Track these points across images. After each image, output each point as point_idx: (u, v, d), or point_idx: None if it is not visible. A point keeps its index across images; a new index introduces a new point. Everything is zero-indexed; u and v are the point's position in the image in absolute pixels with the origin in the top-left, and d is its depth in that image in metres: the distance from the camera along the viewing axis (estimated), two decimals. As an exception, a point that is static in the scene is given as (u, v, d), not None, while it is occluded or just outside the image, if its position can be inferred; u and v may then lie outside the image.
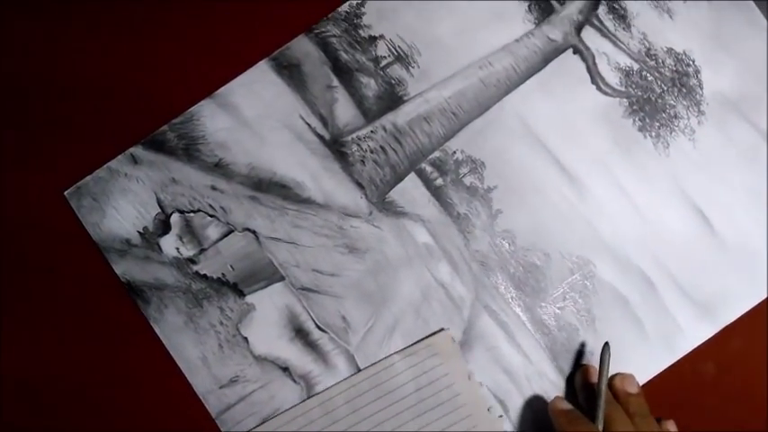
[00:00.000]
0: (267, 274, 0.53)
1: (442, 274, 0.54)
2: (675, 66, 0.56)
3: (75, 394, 0.53)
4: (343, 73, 0.55)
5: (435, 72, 0.55)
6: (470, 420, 0.52)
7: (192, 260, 0.53)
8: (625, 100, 0.55)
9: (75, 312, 0.53)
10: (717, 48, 0.56)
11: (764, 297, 0.54)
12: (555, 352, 0.53)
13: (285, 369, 0.53)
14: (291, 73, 0.55)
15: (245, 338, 0.53)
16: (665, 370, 0.53)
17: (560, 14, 0.56)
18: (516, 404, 0.53)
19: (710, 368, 0.54)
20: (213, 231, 0.54)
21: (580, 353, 0.53)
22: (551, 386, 0.53)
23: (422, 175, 0.55)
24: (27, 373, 0.54)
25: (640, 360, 0.53)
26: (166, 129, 0.54)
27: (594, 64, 0.55)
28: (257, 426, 0.52)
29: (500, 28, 0.55)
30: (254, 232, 0.54)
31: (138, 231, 0.54)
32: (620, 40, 0.56)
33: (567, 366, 0.53)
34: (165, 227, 0.54)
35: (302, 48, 0.55)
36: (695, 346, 0.54)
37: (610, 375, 0.51)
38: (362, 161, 0.54)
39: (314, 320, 0.53)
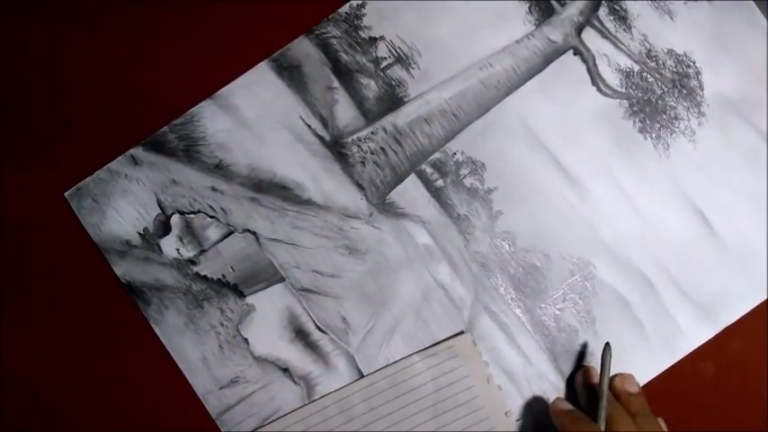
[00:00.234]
0: (267, 276, 0.53)
1: (443, 275, 0.54)
2: (676, 67, 0.56)
3: (75, 394, 0.53)
4: (344, 74, 0.55)
5: (436, 73, 0.55)
6: (488, 423, 0.52)
7: (192, 261, 0.54)
8: (625, 101, 0.55)
9: (75, 313, 0.54)
10: (717, 49, 0.55)
11: (764, 298, 0.54)
12: (555, 353, 0.53)
13: (285, 370, 0.53)
14: (292, 74, 0.55)
15: (246, 339, 0.53)
16: (665, 370, 0.53)
17: (561, 16, 0.56)
18: (516, 405, 0.53)
19: (710, 368, 0.54)
20: (213, 232, 0.54)
21: (580, 354, 0.53)
22: (551, 387, 0.53)
23: (422, 176, 0.55)
24: (27, 373, 0.54)
25: (640, 361, 0.53)
26: (167, 130, 0.54)
27: (595, 65, 0.55)
28: (265, 423, 0.52)
29: (500, 29, 0.55)
30: (254, 233, 0.54)
31: (139, 232, 0.54)
32: (620, 42, 0.56)
33: (567, 367, 0.53)
34: (165, 228, 0.54)
35: (302, 49, 0.55)
36: (695, 347, 0.54)
37: (610, 376, 0.51)
38: (363, 162, 0.54)
39: (314, 321, 0.53)
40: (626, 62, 0.55)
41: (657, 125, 0.55)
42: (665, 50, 0.56)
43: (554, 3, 0.56)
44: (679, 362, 0.53)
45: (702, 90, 0.55)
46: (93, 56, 0.55)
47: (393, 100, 0.55)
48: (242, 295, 0.53)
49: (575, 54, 0.56)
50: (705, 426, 0.53)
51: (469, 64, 0.55)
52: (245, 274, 0.53)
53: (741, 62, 0.55)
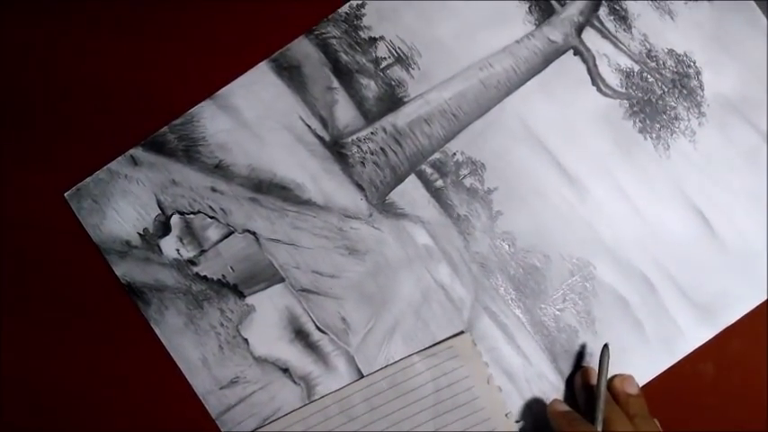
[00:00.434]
0: (267, 276, 0.53)
1: (442, 275, 0.54)
2: (676, 67, 0.55)
3: (75, 394, 0.53)
4: (344, 74, 0.55)
5: (435, 73, 0.55)
6: (488, 424, 0.52)
7: (192, 261, 0.54)
8: (625, 101, 0.55)
9: (75, 313, 0.54)
10: (718, 49, 0.55)
11: (764, 299, 0.54)
12: (554, 353, 0.53)
13: (285, 370, 0.53)
14: (291, 74, 0.55)
15: (246, 340, 0.53)
16: (665, 371, 0.53)
17: (561, 16, 0.56)
18: (516, 406, 0.53)
19: (710, 369, 0.54)
20: (213, 233, 0.54)
21: (580, 354, 0.53)
22: (551, 387, 0.53)
23: (422, 176, 0.55)
24: (27, 373, 0.54)
25: (640, 361, 0.53)
26: (166, 130, 0.54)
27: (595, 65, 0.55)
28: (266, 423, 0.52)
29: (500, 29, 0.55)
30: (254, 234, 0.54)
31: (139, 233, 0.54)
32: (620, 42, 0.55)
33: (566, 368, 0.53)
34: (165, 228, 0.54)
35: (302, 49, 0.55)
36: (695, 347, 0.54)
37: (610, 377, 0.51)
38: (362, 163, 0.54)
39: (314, 322, 0.53)
40: (626, 62, 0.55)
41: (658, 125, 0.55)
42: (666, 50, 0.56)
43: (554, 3, 0.56)
44: (679, 362, 0.53)
45: (703, 90, 0.55)
46: (93, 56, 0.55)
47: (393, 100, 0.55)
48: (242, 296, 0.53)
49: (575, 54, 0.55)
50: (705, 426, 0.53)
51: (469, 64, 0.55)
52: (245, 274, 0.53)
53: (742, 62, 0.55)
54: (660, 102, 0.55)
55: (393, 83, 0.55)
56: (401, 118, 0.55)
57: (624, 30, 0.56)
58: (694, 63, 0.55)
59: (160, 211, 0.54)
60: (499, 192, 0.54)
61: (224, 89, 0.54)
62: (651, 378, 0.53)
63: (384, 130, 0.55)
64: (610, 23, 0.56)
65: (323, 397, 0.53)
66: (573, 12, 0.56)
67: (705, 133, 0.55)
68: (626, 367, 0.52)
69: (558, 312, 0.54)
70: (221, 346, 0.53)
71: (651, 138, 0.55)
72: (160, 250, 0.54)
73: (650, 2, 0.56)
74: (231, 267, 0.54)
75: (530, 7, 0.56)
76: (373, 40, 0.55)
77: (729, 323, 0.54)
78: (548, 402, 0.52)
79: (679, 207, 0.54)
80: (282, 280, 0.53)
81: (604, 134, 0.55)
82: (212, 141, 0.54)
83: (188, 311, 0.53)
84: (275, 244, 0.54)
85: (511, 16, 0.56)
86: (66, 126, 0.55)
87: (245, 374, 0.53)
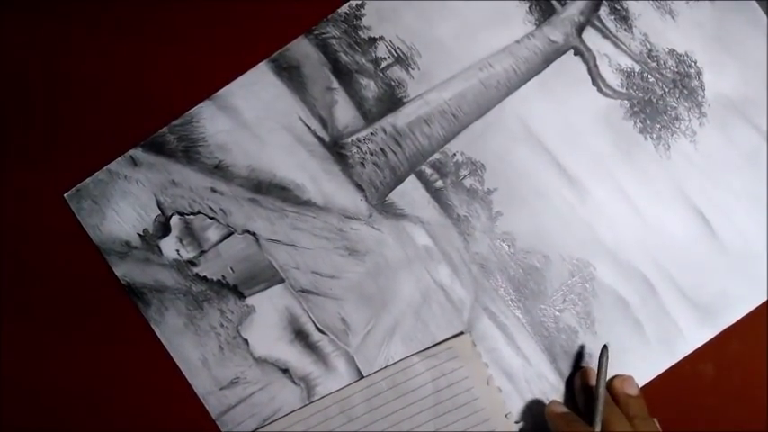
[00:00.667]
0: (267, 276, 0.54)
1: (442, 276, 0.54)
2: (677, 67, 0.55)
3: (75, 395, 0.54)
4: (343, 75, 0.55)
5: (435, 74, 0.55)
6: (488, 424, 0.52)
7: (192, 262, 0.54)
8: (626, 102, 0.55)
9: (75, 314, 0.54)
10: (719, 49, 0.55)
11: (764, 299, 0.54)
12: (554, 354, 0.53)
13: (285, 371, 0.53)
14: (291, 75, 0.55)
15: (246, 340, 0.53)
16: (665, 371, 0.53)
17: (561, 15, 0.55)
18: (516, 406, 0.53)
19: (710, 369, 0.54)
20: (213, 233, 0.54)
21: (579, 355, 0.53)
22: (551, 388, 0.53)
23: (422, 177, 0.54)
24: (27, 373, 0.54)
25: (640, 362, 0.53)
26: (166, 131, 0.54)
27: (595, 65, 0.55)
28: (266, 424, 0.52)
29: (500, 29, 0.55)
30: (254, 234, 0.54)
31: (139, 233, 0.54)
32: (621, 42, 0.55)
33: (566, 368, 0.53)
34: (165, 229, 0.54)
35: (302, 49, 0.55)
36: (695, 348, 0.53)
37: (610, 377, 0.51)
38: (362, 163, 0.54)
39: (314, 322, 0.53)
40: (627, 62, 0.55)
41: (658, 126, 0.55)
42: (667, 50, 0.55)
43: (554, 2, 0.56)
44: (679, 363, 0.53)
45: (703, 90, 0.55)
46: (93, 56, 0.55)
47: (392, 101, 0.55)
48: (242, 296, 0.53)
49: (575, 54, 0.55)
50: (705, 426, 0.53)
51: (469, 64, 0.55)
52: (244, 275, 0.54)
53: (743, 62, 0.55)
54: (661, 102, 0.55)
55: (393, 83, 0.55)
56: (401, 118, 0.55)
57: (625, 29, 0.55)
58: (695, 63, 0.55)
59: (160, 212, 0.54)
60: (499, 192, 0.54)
61: (223, 90, 0.54)
62: (651, 378, 0.53)
63: (384, 131, 0.55)
64: (610, 23, 0.55)
65: (323, 397, 0.53)
66: (573, 11, 0.56)
67: (706, 134, 0.55)
68: (626, 368, 0.52)
69: (557, 313, 0.54)
70: (221, 347, 0.53)
71: (652, 138, 0.55)
72: (160, 251, 0.54)
73: (651, 1, 0.55)
74: (231, 268, 0.54)
75: (530, 7, 0.55)
76: (373, 41, 0.55)
77: (729, 324, 0.54)
78: (547, 403, 0.52)
79: (679, 208, 0.54)
80: (282, 280, 0.53)
81: (605, 134, 0.55)
82: (212, 142, 0.54)
83: (188, 312, 0.53)
84: (275, 245, 0.54)
85: (511, 16, 0.55)
86: (66, 126, 0.55)
87: (246, 375, 0.53)
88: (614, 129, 0.55)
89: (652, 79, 0.55)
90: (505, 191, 0.54)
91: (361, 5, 0.55)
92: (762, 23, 0.55)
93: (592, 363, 0.53)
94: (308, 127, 0.54)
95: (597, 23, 0.55)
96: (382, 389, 0.53)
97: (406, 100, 0.55)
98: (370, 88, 0.55)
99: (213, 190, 0.54)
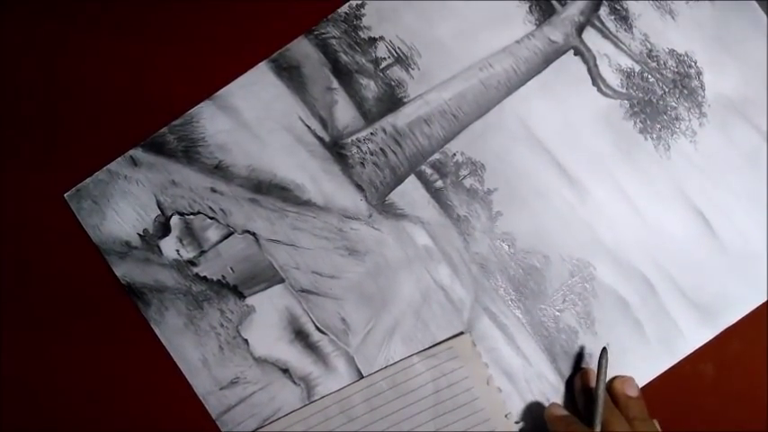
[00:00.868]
0: (267, 276, 0.54)
1: (442, 276, 0.54)
2: (677, 67, 0.55)
3: (75, 395, 0.54)
4: (343, 75, 0.55)
5: (435, 74, 0.55)
6: (488, 424, 0.52)
7: (192, 262, 0.54)
8: (626, 102, 0.55)
9: (75, 314, 0.54)
10: (719, 49, 0.55)
11: (764, 300, 0.54)
12: (554, 354, 0.53)
13: (285, 371, 0.53)
14: (291, 75, 0.55)
15: (246, 340, 0.53)
16: (665, 371, 0.53)
17: (561, 15, 0.55)
18: (516, 406, 0.53)
19: (710, 370, 0.54)
20: (213, 233, 0.54)
21: (579, 356, 0.53)
22: (550, 388, 0.53)
23: (422, 177, 0.54)
24: (27, 373, 0.54)
25: (640, 362, 0.53)
26: (166, 131, 0.54)
27: (595, 65, 0.55)
28: (266, 424, 0.52)
29: (500, 29, 0.55)
30: (254, 234, 0.54)
31: (139, 233, 0.54)
32: (621, 42, 0.55)
33: (566, 369, 0.53)
34: (165, 229, 0.54)
35: (302, 49, 0.55)
36: (695, 348, 0.53)
37: (610, 378, 0.51)
38: (362, 163, 0.54)
39: (314, 322, 0.53)
40: (627, 62, 0.55)
41: (658, 126, 0.55)
42: (667, 50, 0.55)
43: (554, 2, 0.56)
44: (679, 363, 0.53)
45: (704, 90, 0.55)
46: (93, 56, 0.55)
47: (392, 101, 0.55)
48: (242, 296, 0.53)
49: (575, 54, 0.55)
50: (705, 427, 0.53)
51: (469, 64, 0.55)
52: (244, 275, 0.54)
53: (743, 62, 0.55)
54: (661, 102, 0.55)
55: (393, 83, 0.55)
56: (401, 118, 0.55)
57: (625, 30, 0.55)
58: (695, 63, 0.55)
59: (160, 212, 0.54)
60: (499, 192, 0.54)
61: (223, 90, 0.54)
62: (651, 379, 0.53)
63: (384, 131, 0.55)
64: (610, 23, 0.55)
65: (323, 397, 0.53)
66: (573, 11, 0.56)
67: (706, 134, 0.55)
68: (626, 368, 0.52)
69: (557, 313, 0.54)
70: (221, 347, 0.53)
71: (652, 138, 0.55)
72: (160, 251, 0.54)
73: (651, 1, 0.55)
74: (231, 268, 0.54)
75: (530, 7, 0.55)
76: (373, 41, 0.55)
77: (729, 324, 0.54)
78: (547, 403, 0.52)
79: (679, 208, 0.54)
80: (282, 281, 0.53)
81: (605, 135, 0.55)
82: (212, 142, 0.54)
83: (188, 312, 0.53)
84: (275, 245, 0.54)
85: (511, 16, 0.55)
86: (66, 126, 0.55)
87: (246, 375, 0.53)
88: (614, 129, 0.55)
89: (652, 79, 0.55)
90: (505, 191, 0.54)
91: (361, 5, 0.55)
92: (762, 23, 0.55)
93: (592, 363, 0.53)
94: (308, 127, 0.54)
95: (597, 23, 0.55)
96: (382, 389, 0.53)
97: (406, 100, 0.55)
98: (370, 88, 0.55)
99: (213, 190, 0.54)
